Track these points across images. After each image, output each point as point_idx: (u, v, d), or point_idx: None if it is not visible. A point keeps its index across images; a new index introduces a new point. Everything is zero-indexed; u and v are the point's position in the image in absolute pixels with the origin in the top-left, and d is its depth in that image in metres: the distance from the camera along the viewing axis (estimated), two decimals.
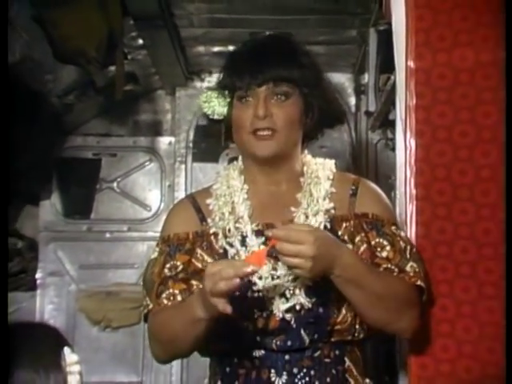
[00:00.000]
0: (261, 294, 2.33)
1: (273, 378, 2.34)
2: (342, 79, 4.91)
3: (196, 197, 2.56)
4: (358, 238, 2.41)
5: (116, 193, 5.10)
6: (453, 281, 2.57)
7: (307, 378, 2.35)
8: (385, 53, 3.81)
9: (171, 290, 2.38)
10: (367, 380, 2.47)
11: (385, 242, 2.40)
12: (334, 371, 2.38)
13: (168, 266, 2.41)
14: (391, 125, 3.91)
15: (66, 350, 1.82)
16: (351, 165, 4.86)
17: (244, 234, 2.40)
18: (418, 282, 2.36)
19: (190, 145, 5.05)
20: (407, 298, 2.36)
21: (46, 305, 4.94)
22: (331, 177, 2.50)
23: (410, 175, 2.60)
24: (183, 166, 5.06)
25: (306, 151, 2.56)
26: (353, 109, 4.94)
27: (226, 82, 2.46)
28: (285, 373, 2.35)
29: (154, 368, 4.99)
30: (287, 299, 2.33)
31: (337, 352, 2.40)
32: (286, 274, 2.32)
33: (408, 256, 2.39)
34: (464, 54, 2.61)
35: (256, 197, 2.48)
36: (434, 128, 2.61)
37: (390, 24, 2.73)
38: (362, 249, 2.40)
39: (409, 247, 2.41)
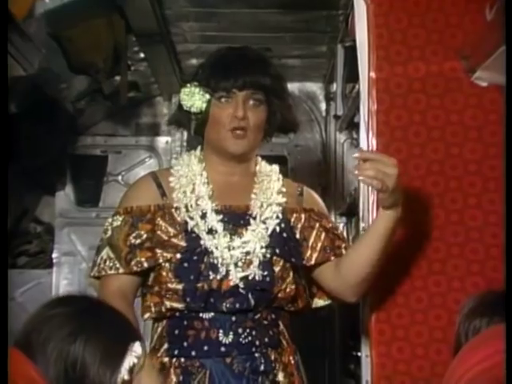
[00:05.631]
0: (216, 260, 2.34)
1: (220, 338, 2.34)
2: (314, 88, 4.91)
3: (157, 174, 2.55)
4: (316, 226, 2.46)
5: (121, 185, 5.06)
6: (410, 257, 2.60)
7: (250, 338, 2.36)
8: (350, 65, 3.82)
9: (138, 258, 2.37)
10: (294, 346, 2.48)
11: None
12: (271, 332, 2.40)
13: (134, 235, 2.38)
14: (356, 126, 3.92)
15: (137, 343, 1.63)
16: (322, 160, 4.86)
17: (204, 211, 2.39)
18: None
19: (184, 144, 5.04)
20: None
21: (60, 280, 4.91)
22: (281, 178, 2.52)
23: None
24: None
25: (256, 154, 2.55)
26: (323, 113, 4.93)
27: (209, 81, 2.43)
28: (231, 333, 2.35)
29: (148, 330, 4.96)
30: (242, 268, 2.35)
31: (273, 316, 2.42)
32: (240, 246, 2.35)
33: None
34: (417, 66, 2.64)
35: (214, 183, 2.46)
36: (392, 129, 2.63)
37: (354, 41, 2.74)
38: (323, 236, 2.45)
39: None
